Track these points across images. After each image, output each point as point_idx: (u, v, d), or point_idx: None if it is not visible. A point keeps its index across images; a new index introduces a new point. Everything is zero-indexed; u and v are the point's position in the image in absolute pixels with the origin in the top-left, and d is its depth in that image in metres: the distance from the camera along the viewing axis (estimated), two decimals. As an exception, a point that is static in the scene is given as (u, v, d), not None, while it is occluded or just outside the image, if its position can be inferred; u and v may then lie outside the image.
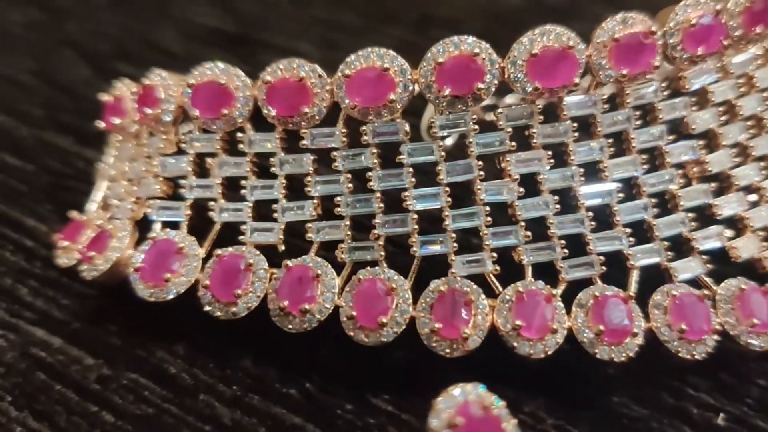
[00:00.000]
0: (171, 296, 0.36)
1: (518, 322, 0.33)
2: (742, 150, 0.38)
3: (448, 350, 0.33)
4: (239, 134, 0.37)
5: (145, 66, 0.42)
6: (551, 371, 0.35)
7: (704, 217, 0.37)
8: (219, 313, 0.35)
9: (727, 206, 0.37)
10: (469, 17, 0.57)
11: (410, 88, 0.35)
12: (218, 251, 0.36)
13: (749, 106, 0.38)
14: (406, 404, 0.34)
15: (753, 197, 0.38)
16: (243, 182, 0.37)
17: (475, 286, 0.34)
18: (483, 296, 0.34)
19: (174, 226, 0.38)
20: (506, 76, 0.34)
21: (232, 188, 0.37)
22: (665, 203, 0.37)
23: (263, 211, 0.37)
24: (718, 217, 0.37)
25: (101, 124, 0.41)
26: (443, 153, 0.35)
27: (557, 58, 0.34)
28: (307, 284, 0.35)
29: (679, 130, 0.37)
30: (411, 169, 0.35)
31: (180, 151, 0.38)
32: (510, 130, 0.35)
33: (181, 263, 0.36)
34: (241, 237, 0.36)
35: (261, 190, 0.37)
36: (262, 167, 0.37)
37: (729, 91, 0.37)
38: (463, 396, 0.27)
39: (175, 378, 0.36)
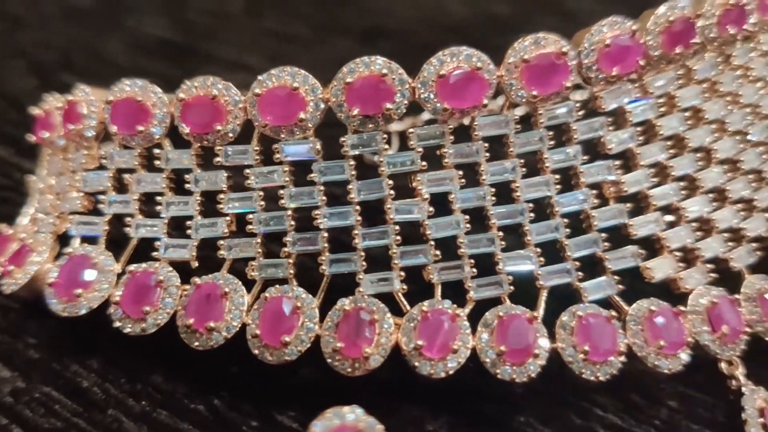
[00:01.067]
0: (83, 311, 0.36)
1: (420, 342, 0.33)
2: (660, 170, 0.38)
3: (349, 369, 0.33)
4: (156, 150, 0.37)
5: (91, 77, 0.42)
6: (457, 390, 0.35)
7: (620, 237, 0.37)
8: (129, 329, 0.35)
9: (644, 227, 0.37)
10: (418, 29, 0.57)
11: (321, 106, 0.35)
12: (131, 267, 0.36)
13: (669, 126, 0.38)
14: (311, 421, 0.35)
15: (670, 217, 0.38)
16: (159, 198, 0.37)
17: (381, 305, 0.34)
18: (389, 315, 0.34)
19: (92, 241, 0.38)
20: (417, 96, 0.35)
21: (151, 204, 0.38)
22: (580, 223, 0.37)
23: (180, 227, 0.37)
24: (633, 237, 0.37)
25: (32, 138, 0.42)
26: (353, 172, 0.35)
27: (466, 79, 0.34)
28: (215, 302, 0.35)
29: (596, 149, 0.38)
30: (322, 187, 0.35)
31: (101, 167, 0.38)
32: (421, 149, 0.35)
33: (95, 278, 0.36)
34: (154, 253, 0.36)
35: (176, 207, 0.37)
36: (180, 184, 0.37)
37: (649, 111, 0.37)
38: (339, 419, 0.27)
39: (86, 392, 0.36)
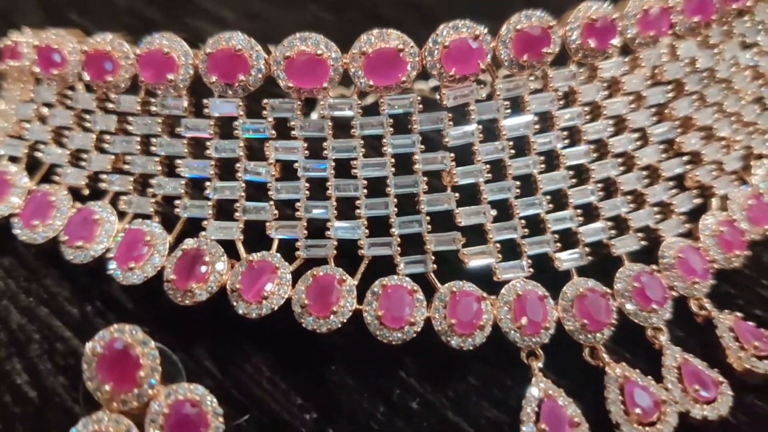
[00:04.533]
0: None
1: (238, 285, 0.39)
2: (494, 166, 0.41)
3: (179, 298, 0.39)
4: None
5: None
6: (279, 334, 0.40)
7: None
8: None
9: (468, 217, 0.40)
10: (388, 5, 0.61)
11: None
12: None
13: (511, 126, 0.40)
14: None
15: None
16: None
17: (218, 249, 0.40)
18: (223, 259, 0.40)
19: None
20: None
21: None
22: (413, 206, 0.41)
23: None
24: (459, 224, 0.40)
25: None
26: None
27: (311, 63, 0.38)
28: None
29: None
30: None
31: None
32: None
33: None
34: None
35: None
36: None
37: (493, 112, 0.40)
38: (120, 333, 0.33)
39: (-9, 283, 0.44)
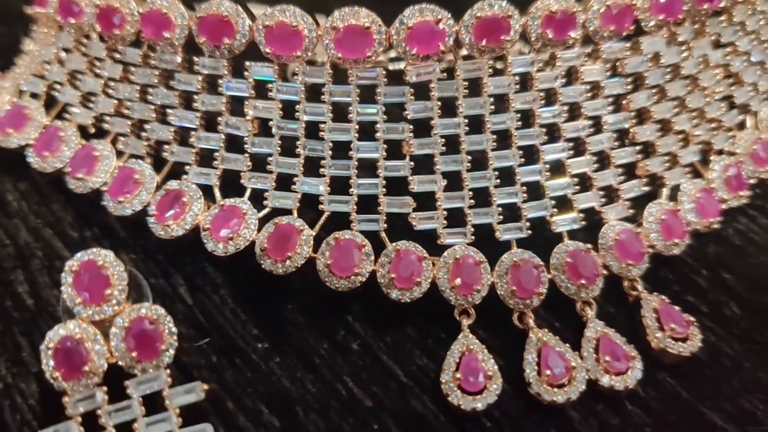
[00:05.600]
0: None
1: (207, 226, 0.44)
2: (451, 142, 0.44)
3: (162, 232, 0.44)
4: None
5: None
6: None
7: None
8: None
9: (421, 184, 0.44)
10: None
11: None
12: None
13: (469, 105, 0.44)
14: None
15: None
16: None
17: (196, 191, 0.45)
18: (200, 201, 0.45)
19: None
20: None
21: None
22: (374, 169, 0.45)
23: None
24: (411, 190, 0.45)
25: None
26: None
27: (288, 33, 0.43)
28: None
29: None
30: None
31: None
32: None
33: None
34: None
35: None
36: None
37: (451, 89, 0.44)
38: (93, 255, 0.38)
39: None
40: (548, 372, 0.41)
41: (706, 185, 0.48)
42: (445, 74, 0.44)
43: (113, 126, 0.48)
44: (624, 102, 0.46)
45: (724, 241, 0.49)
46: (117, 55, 0.47)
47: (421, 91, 0.44)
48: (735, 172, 0.50)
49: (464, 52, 0.44)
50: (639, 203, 0.47)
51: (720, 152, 0.50)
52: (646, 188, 0.47)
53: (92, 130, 0.49)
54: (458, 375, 0.41)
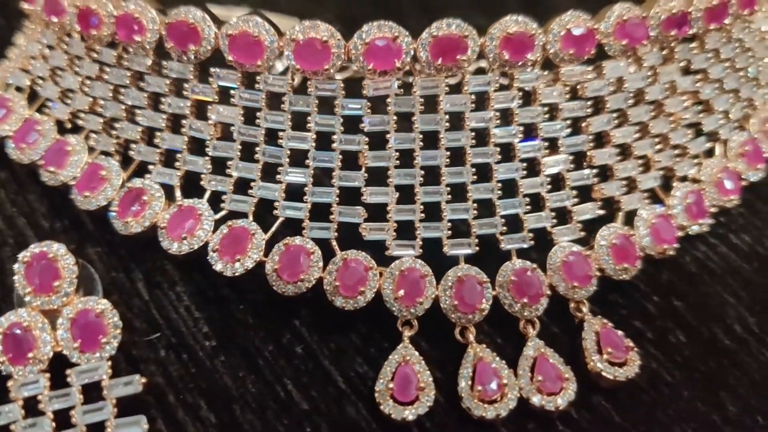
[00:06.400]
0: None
1: (164, 224, 0.46)
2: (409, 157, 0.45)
3: (121, 228, 0.46)
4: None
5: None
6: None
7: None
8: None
9: (373, 196, 0.45)
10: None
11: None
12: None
13: (425, 121, 0.45)
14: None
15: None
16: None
17: (158, 191, 0.46)
18: (161, 200, 0.46)
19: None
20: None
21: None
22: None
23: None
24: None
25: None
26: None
27: (251, 43, 0.44)
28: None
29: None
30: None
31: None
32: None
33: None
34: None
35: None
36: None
37: (408, 104, 0.45)
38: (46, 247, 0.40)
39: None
40: (480, 387, 0.42)
41: (665, 211, 0.49)
42: (402, 90, 0.45)
43: (87, 123, 0.50)
44: (583, 125, 0.47)
45: (679, 269, 0.49)
46: (94, 55, 0.49)
47: (380, 104, 0.45)
48: (696, 199, 0.50)
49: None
50: (596, 226, 0.48)
51: (684, 179, 0.50)
52: (601, 211, 0.47)
53: (68, 126, 0.50)
54: (391, 385, 0.42)
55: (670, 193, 0.50)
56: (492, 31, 0.44)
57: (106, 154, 0.49)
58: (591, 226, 0.47)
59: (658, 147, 0.49)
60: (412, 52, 0.43)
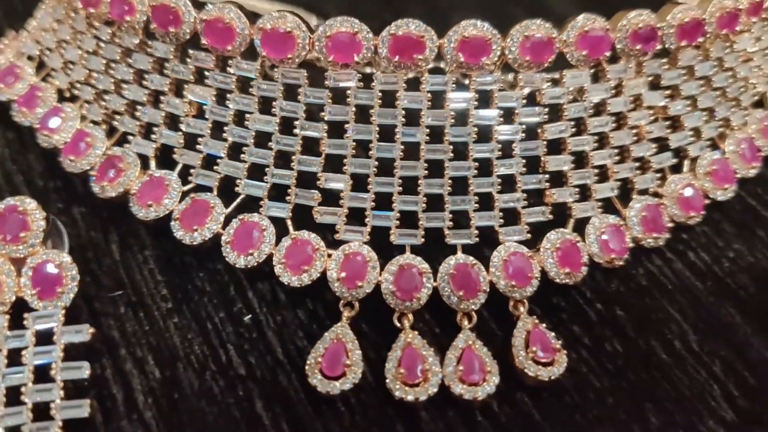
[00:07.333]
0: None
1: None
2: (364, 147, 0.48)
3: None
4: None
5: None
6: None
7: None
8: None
9: (329, 182, 0.48)
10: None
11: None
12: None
13: (382, 115, 0.47)
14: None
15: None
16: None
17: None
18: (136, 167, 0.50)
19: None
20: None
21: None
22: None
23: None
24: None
25: None
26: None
27: (224, 29, 0.47)
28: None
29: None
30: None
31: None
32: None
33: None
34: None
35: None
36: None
37: (368, 100, 0.47)
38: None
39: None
40: (402, 370, 0.44)
41: (618, 222, 0.49)
42: (362, 83, 0.47)
43: (82, 93, 0.54)
44: (539, 131, 0.48)
45: (630, 280, 0.50)
46: (94, 31, 0.53)
47: (342, 96, 0.47)
48: (654, 213, 0.50)
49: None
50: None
51: (644, 192, 0.51)
52: (550, 216, 0.49)
53: (67, 95, 0.55)
54: (320, 359, 0.44)
55: (629, 204, 0.50)
56: (450, 33, 0.46)
57: (95, 123, 0.53)
58: (546, 230, 0.49)
59: (617, 158, 0.50)
60: (372, 48, 0.46)
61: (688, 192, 0.52)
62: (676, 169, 0.53)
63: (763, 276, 0.51)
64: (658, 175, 0.51)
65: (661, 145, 0.52)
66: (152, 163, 0.50)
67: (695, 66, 0.51)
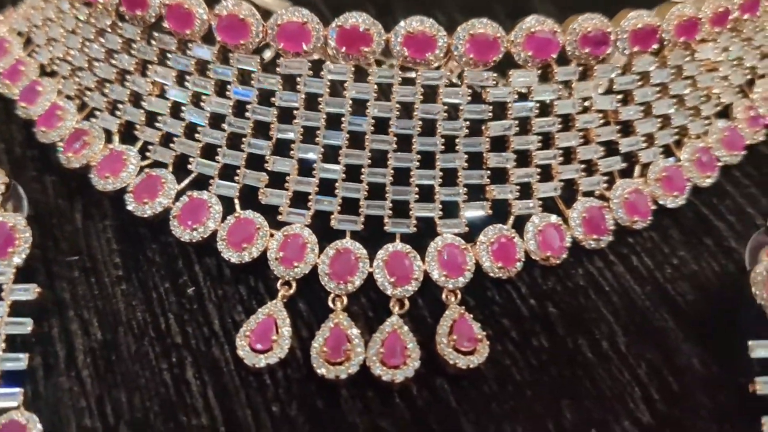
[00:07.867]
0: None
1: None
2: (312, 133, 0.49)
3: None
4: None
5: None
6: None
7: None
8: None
9: (275, 164, 0.50)
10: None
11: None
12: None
13: (330, 104, 0.48)
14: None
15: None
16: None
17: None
18: (101, 141, 0.53)
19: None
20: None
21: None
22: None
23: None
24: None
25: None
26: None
27: (183, 14, 0.49)
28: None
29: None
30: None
31: None
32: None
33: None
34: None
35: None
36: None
37: (317, 88, 0.49)
38: None
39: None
40: (326, 349, 0.46)
41: (557, 221, 0.50)
42: (312, 72, 0.49)
43: (60, 68, 0.57)
44: (483, 128, 0.49)
45: (568, 279, 0.51)
46: (74, 11, 0.56)
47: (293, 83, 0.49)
48: (596, 215, 0.51)
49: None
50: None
51: (590, 194, 0.52)
52: (491, 211, 0.50)
53: (48, 70, 0.58)
54: (248, 333, 0.46)
55: (572, 206, 0.51)
56: (396, 28, 0.47)
57: (69, 97, 0.56)
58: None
59: (562, 159, 0.51)
60: (322, 39, 0.47)
61: (635, 197, 0.52)
62: (628, 173, 0.53)
63: (704, 284, 0.51)
64: (605, 178, 0.52)
65: (612, 148, 0.52)
66: (115, 138, 0.53)
67: (651, 72, 0.52)
